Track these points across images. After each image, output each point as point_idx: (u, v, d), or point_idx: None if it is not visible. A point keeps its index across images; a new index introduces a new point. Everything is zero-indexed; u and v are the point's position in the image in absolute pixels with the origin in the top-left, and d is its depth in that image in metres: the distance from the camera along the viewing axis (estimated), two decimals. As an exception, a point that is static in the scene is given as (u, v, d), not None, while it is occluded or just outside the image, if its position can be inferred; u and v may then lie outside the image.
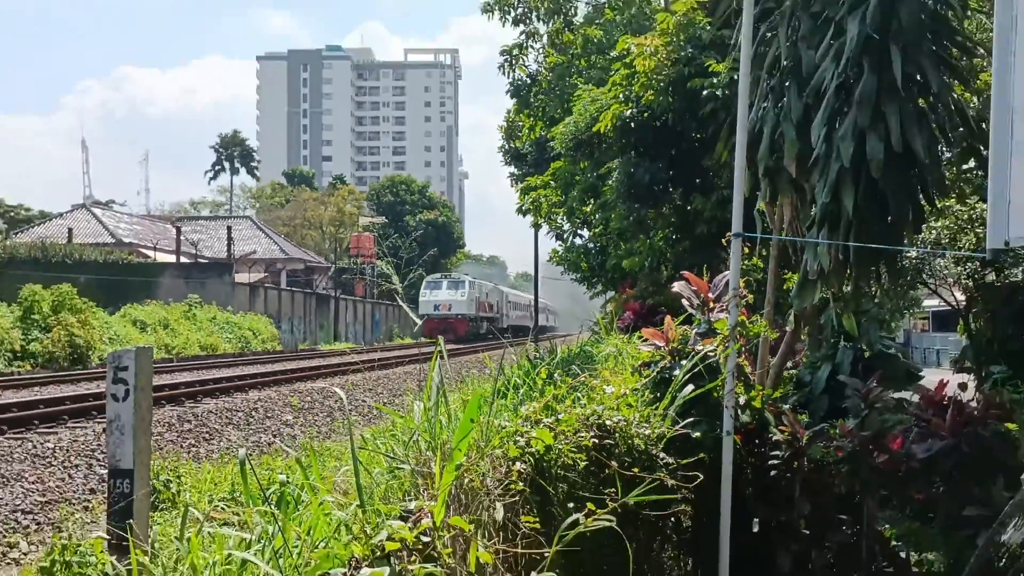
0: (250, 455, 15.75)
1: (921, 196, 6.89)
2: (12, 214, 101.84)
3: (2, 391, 22.69)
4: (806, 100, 7.22)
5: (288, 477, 6.09)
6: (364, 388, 26.68)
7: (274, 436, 18.92)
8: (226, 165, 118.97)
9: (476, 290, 73.53)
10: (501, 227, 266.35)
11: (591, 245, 25.39)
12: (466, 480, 3.72)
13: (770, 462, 6.06)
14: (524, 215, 27.26)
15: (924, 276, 11.71)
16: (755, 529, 6.17)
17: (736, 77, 11.60)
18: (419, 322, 64.34)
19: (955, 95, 7.00)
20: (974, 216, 10.40)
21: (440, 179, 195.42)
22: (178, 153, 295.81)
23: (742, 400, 6.21)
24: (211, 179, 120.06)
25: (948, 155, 7.39)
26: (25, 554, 10.36)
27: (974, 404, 6.11)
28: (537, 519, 4.30)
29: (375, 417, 22.04)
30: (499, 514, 3.83)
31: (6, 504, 11.79)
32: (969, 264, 10.81)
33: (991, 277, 10.62)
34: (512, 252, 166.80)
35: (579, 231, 26.58)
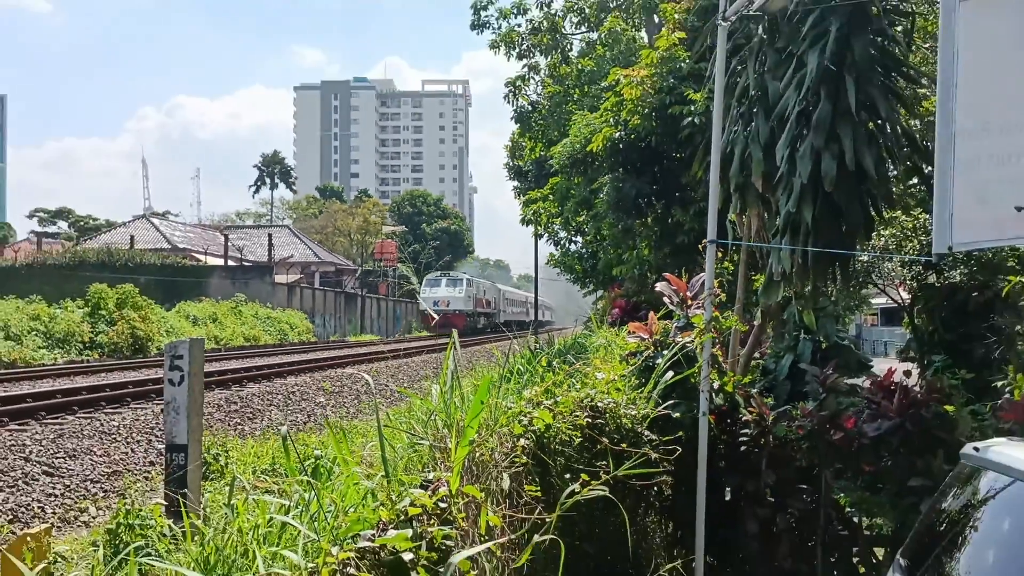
0: (289, 432, 15.80)
1: (871, 208, 6.89)
2: (82, 223, 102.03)
3: (74, 376, 22.72)
4: (771, 124, 7.21)
5: (322, 451, 6.10)
6: (387, 374, 26.67)
7: (308, 416, 18.91)
8: (267, 181, 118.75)
9: (474, 287, 69.01)
10: (505, 234, 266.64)
11: (584, 251, 25.38)
12: (477, 454, 3.72)
13: (740, 439, 6.06)
14: (526, 225, 27.26)
15: (874, 277, 11.70)
16: (727, 497, 6.17)
17: (711, 105, 11.62)
18: (435, 316, 62.21)
19: (902, 120, 7.00)
20: (917, 226, 10.38)
21: (453, 193, 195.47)
22: (224, 170, 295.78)
23: (716, 385, 6.21)
24: (254, 193, 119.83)
25: (895, 172, 7.37)
26: (94, 518, 10.37)
27: (918, 389, 6.10)
28: (538, 488, 4.31)
29: (396, 399, 22.06)
30: (505, 483, 3.83)
31: (77, 474, 11.79)
32: (914, 267, 10.80)
33: (932, 278, 10.61)
34: (515, 256, 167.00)
35: (574, 238, 26.58)
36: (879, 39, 6.89)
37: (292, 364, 25.98)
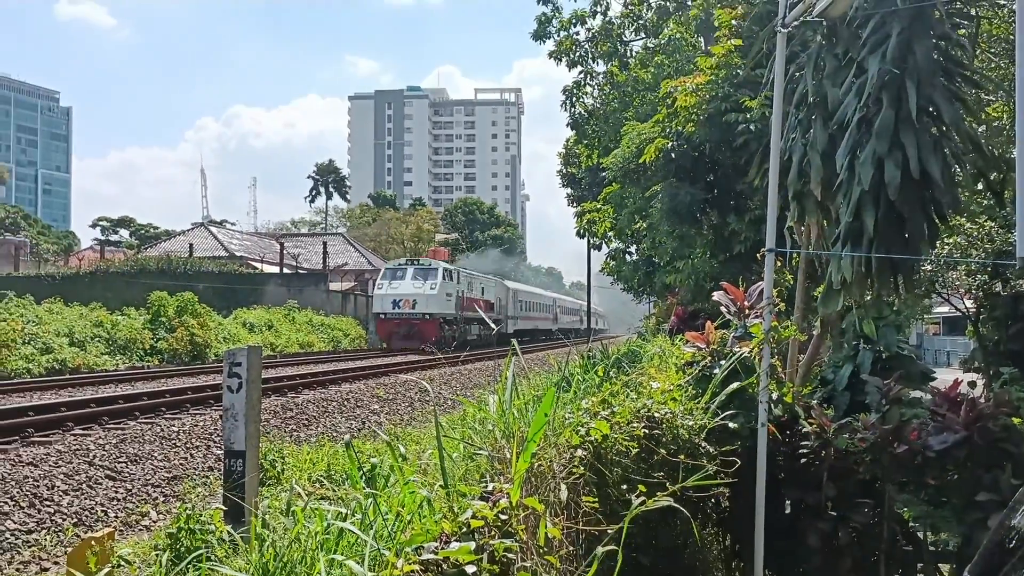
0: (341, 439, 15.89)
1: (935, 215, 6.75)
2: (143, 231, 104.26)
3: (135, 382, 23.17)
4: (831, 131, 7.11)
5: (378, 459, 6.14)
6: (440, 381, 26.78)
7: (363, 423, 19.05)
8: (322, 189, 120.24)
9: (456, 281, 47.58)
10: (558, 242, 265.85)
11: (639, 259, 25.29)
12: (535, 465, 3.71)
13: (800, 451, 5.96)
14: (581, 237, 27.26)
15: (937, 286, 11.46)
16: (787, 510, 6.08)
17: (766, 112, 11.52)
18: (390, 324, 43.19)
19: (966, 125, 6.86)
20: (982, 233, 10.15)
21: (505, 201, 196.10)
22: (280, 179, 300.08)
23: (775, 396, 6.13)
24: (310, 202, 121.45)
25: (960, 178, 7.22)
26: (155, 522, 10.55)
27: (984, 401, 5.95)
28: (596, 499, 4.29)
29: (450, 407, 22.14)
30: (563, 495, 3.81)
31: (138, 479, 12.01)
32: (979, 275, 10.56)
33: (998, 287, 10.36)
34: (567, 264, 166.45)
35: (628, 249, 26.51)
36: (942, 43, 6.76)
37: (346, 371, 26.20)
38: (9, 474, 10.61)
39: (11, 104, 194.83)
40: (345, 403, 20.48)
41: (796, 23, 6.46)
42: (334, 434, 17.11)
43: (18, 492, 10.26)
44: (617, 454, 4.80)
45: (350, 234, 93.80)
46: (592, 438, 4.60)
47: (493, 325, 8.48)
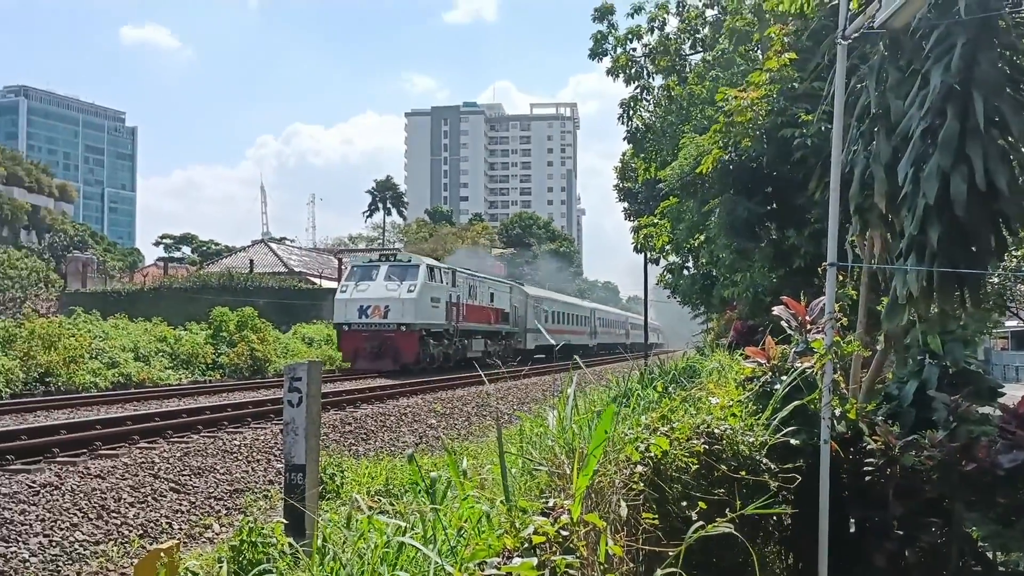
0: (399, 454, 15.96)
1: (1003, 228, 6.61)
2: (204, 248, 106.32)
3: (197, 396, 23.61)
4: (894, 143, 7.01)
5: (437, 474, 6.18)
6: (496, 396, 26.83)
7: (420, 437, 19.16)
8: (379, 205, 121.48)
9: (450, 283, 37.26)
10: (614, 256, 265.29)
11: (697, 273, 25.12)
12: (595, 481, 3.71)
13: (865, 468, 5.87)
14: (638, 252, 27.18)
15: (1005, 300, 11.20)
16: (851, 529, 5.98)
17: (824, 127, 11.38)
18: (354, 336, 32.91)
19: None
20: (1052, 246, 9.90)
21: (561, 215, 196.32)
22: (338, 195, 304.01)
23: (838, 412, 6.04)
24: (367, 217, 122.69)
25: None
26: (217, 534, 10.72)
27: (1056, 418, 5.81)
28: (655, 516, 4.26)
29: (506, 421, 22.14)
30: (623, 511, 3.81)
31: (202, 491, 12.22)
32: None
33: (1069, 301, 10.10)
34: (624, 278, 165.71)
35: (686, 263, 26.34)
36: (1008, 53, 6.63)
37: (404, 386, 26.39)
38: (78, 486, 10.87)
39: (79, 125, 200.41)
40: (403, 417, 20.62)
41: (856, 35, 6.39)
42: (392, 448, 17.24)
43: (86, 504, 10.51)
44: (677, 470, 4.77)
45: (407, 250, 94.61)
46: (652, 454, 4.58)
47: (551, 340, 8.39)
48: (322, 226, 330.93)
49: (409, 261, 35.38)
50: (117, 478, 11.58)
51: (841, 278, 9.79)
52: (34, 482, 10.64)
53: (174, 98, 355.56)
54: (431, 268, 35.35)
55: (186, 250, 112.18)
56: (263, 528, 6.95)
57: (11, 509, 9.76)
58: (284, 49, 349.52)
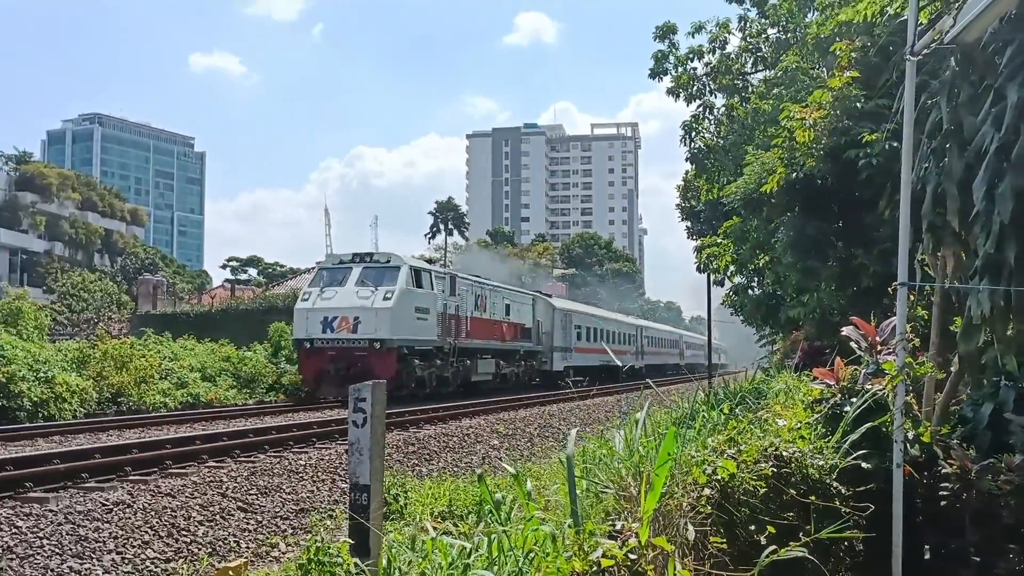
0: (462, 474, 15.99)
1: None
2: (270, 270, 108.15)
3: (263, 416, 23.98)
4: (967, 160, 6.87)
5: (502, 495, 6.18)
6: (559, 416, 26.76)
7: (483, 458, 19.17)
8: (441, 226, 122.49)
9: (446, 291, 31.13)
10: (676, 276, 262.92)
11: (761, 293, 24.84)
12: (663, 504, 3.69)
13: (939, 493, 5.73)
14: (702, 272, 26.99)
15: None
16: (926, 556, 5.83)
17: (889, 146, 11.18)
18: (311, 355, 27.19)
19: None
20: None
21: (622, 235, 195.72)
22: (400, 217, 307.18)
23: (911, 435, 5.91)
24: (429, 239, 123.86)
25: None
26: (284, 553, 10.85)
27: None
28: (723, 539, 4.22)
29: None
30: (691, 535, 3.78)
31: (268, 511, 12.39)
32: None
33: None
34: (687, 298, 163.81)
35: (751, 283, 26.07)
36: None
37: (466, 407, 26.45)
38: (149, 504, 11.10)
39: (150, 151, 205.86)
40: (465, 438, 20.67)
41: (926, 51, 6.30)
42: (455, 469, 17.28)
43: (157, 522, 10.72)
44: (745, 494, 4.71)
45: (469, 271, 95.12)
46: (719, 477, 4.54)
47: (618, 361, 8.34)
48: (385, 247, 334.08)
49: (388, 262, 28.20)
50: (187, 497, 11.80)
51: (911, 298, 9.60)
52: (107, 500, 10.89)
53: (241, 123, 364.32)
54: (416, 271, 28.89)
55: (252, 272, 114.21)
56: (329, 548, 7.02)
57: (86, 526, 10.01)
58: (347, 75, 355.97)
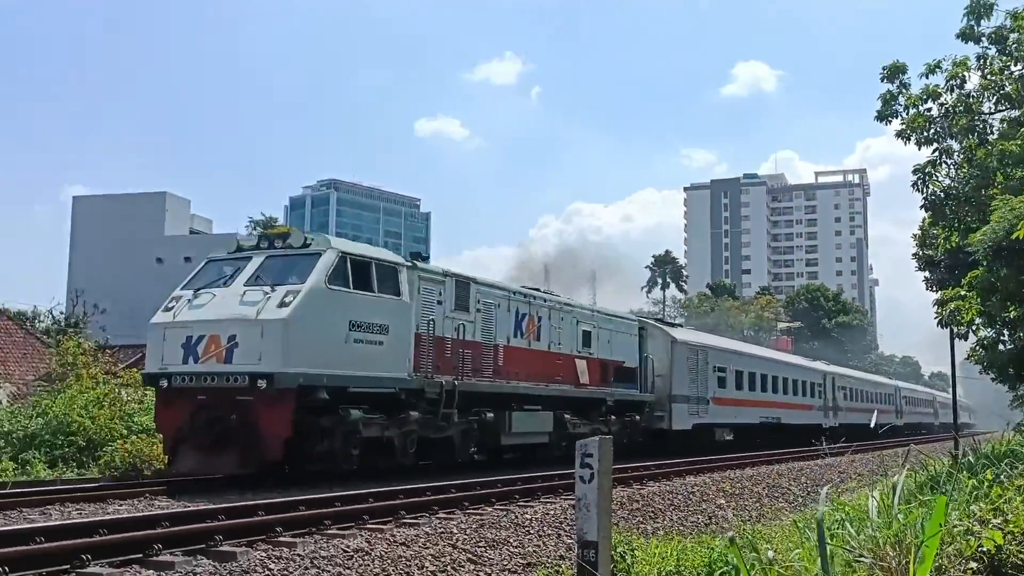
0: (687, 533, 15.64)
1: None
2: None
3: (486, 470, 24.48)
4: None
5: (730, 556, 6.01)
6: (788, 476, 25.71)
7: (709, 518, 18.68)
8: (659, 280, 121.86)
9: (413, 293, 18.28)
10: (912, 329, 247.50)
11: (1016, 348, 22.96)
12: (925, 576, 3.46)
13: None
14: (943, 327, 25.29)
15: None
16: None
17: None
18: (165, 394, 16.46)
19: None
20: None
21: (851, 286, 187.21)
22: (618, 271, 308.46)
23: None
24: (647, 292, 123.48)
25: None
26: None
27: None
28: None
29: (799, 504, 21.18)
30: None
31: (496, 563, 12.58)
32: None
33: None
34: (924, 353, 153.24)
35: (1001, 337, 24.16)
36: None
37: (685, 464, 25.89)
38: (386, 552, 11.57)
39: (380, 212, 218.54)
40: (691, 496, 20.24)
41: None
42: (680, 528, 16.93)
43: (393, 570, 11.14)
44: (1015, 568, 4.34)
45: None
46: (985, 549, 4.21)
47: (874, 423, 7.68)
48: (603, 301, 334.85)
49: (306, 245, 16.92)
50: (420, 547, 12.20)
51: None
52: (348, 547, 11.44)
53: (463, 184, 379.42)
54: (357, 262, 16.98)
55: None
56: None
57: (329, 571, 10.55)
58: (564, 133, 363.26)
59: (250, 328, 15.54)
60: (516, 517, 14.94)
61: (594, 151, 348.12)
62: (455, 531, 13.32)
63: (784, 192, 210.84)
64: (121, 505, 14.51)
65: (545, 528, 14.75)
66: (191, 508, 13.01)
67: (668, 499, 19.40)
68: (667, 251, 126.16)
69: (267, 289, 15.93)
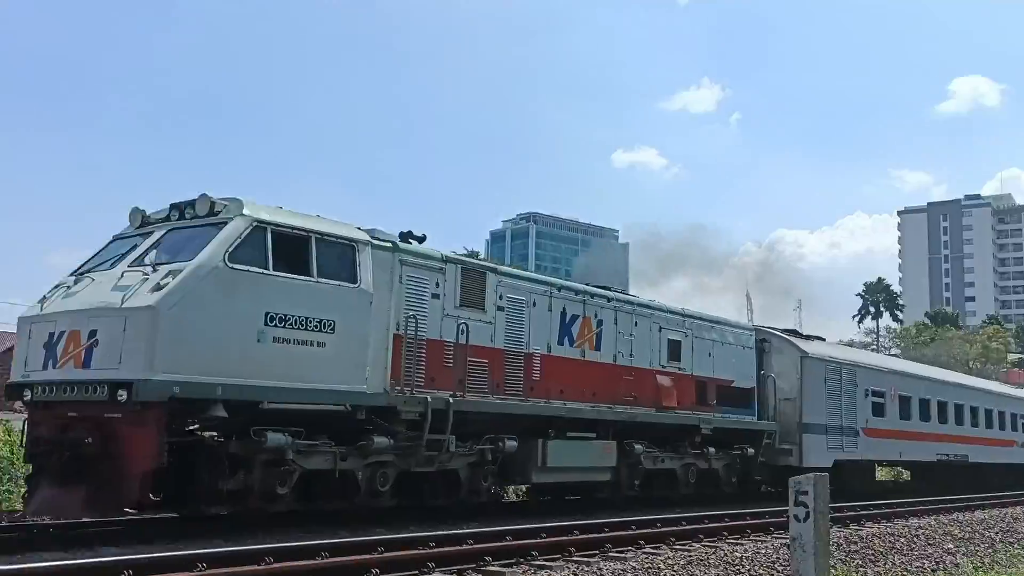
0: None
1: None
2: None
3: (693, 506, 23.97)
4: None
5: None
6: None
7: (936, 563, 17.50)
8: (871, 309, 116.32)
9: (386, 279, 13.54)
10: None
11: None
12: None
13: None
14: None
15: None
16: None
17: None
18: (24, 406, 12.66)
19: None
20: None
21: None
22: (825, 300, 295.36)
23: None
24: (858, 321, 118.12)
25: None
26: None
27: None
28: None
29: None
30: None
31: (706, 602, 12.30)
32: None
33: None
34: None
35: None
36: None
37: (910, 503, 24.36)
38: (593, 586, 11.55)
39: (578, 244, 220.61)
40: (914, 540, 19.03)
41: None
42: (905, 573, 15.95)
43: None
44: None
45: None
46: None
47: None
48: (809, 331, 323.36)
49: (214, 213, 12.14)
50: (627, 581, 12.09)
51: None
52: (555, 579, 11.52)
53: (661, 213, 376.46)
54: (279, 233, 12.24)
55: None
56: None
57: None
58: (765, 159, 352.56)
59: (113, 321, 11.08)
60: (725, 554, 14.56)
61: (796, 176, 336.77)
62: (662, 566, 13.11)
63: (1012, 213, 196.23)
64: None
65: (756, 567, 14.27)
66: (404, 535, 13.51)
67: (889, 541, 18.31)
68: (880, 278, 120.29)
69: (149, 270, 11.68)
